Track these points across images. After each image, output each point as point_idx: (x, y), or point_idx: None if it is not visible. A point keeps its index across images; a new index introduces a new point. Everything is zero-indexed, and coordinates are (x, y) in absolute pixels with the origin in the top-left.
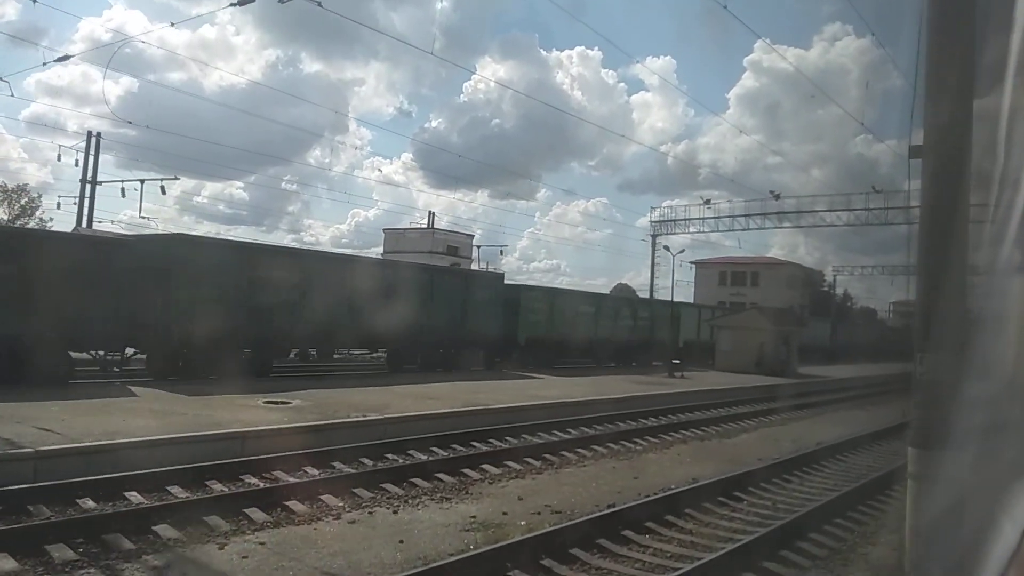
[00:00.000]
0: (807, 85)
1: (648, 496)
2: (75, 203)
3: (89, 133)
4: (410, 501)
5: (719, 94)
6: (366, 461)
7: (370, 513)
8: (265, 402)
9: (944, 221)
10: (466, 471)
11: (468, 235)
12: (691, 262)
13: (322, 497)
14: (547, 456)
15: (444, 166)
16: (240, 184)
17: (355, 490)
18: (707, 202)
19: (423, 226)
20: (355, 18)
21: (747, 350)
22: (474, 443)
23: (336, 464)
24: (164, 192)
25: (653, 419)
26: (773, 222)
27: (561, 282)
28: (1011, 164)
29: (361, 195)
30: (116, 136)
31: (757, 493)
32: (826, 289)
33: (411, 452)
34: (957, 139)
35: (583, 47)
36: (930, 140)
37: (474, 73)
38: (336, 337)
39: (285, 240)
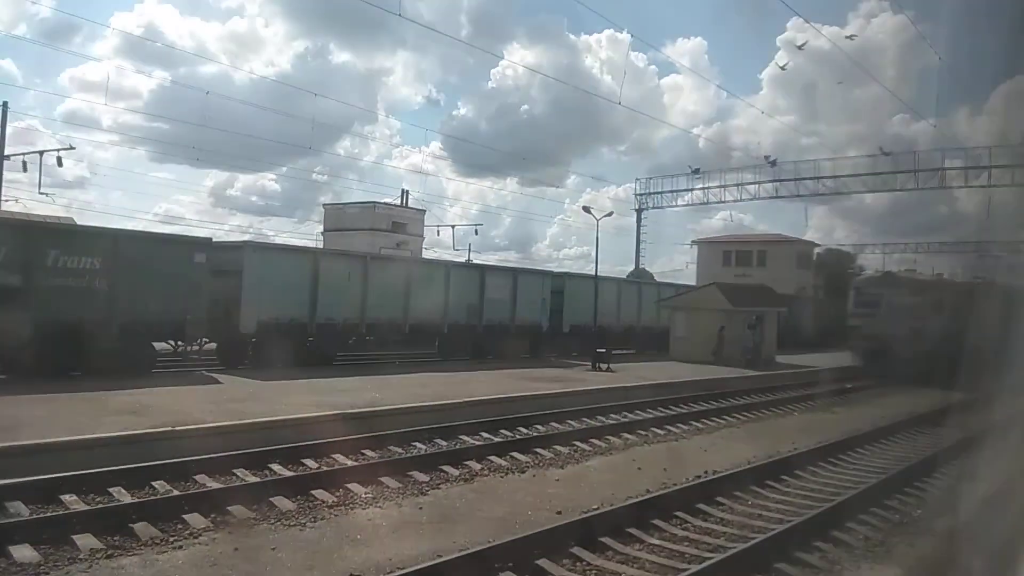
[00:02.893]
0: (843, 64)
1: None
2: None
3: None
4: None
5: (752, 75)
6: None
7: None
8: None
9: None
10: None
11: (417, 210)
12: (692, 241)
13: None
14: None
15: (472, 154)
16: (272, 176)
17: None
18: (696, 171)
19: (365, 202)
20: (382, 6)
21: (705, 336)
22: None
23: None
24: (60, 164)
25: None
26: (794, 194)
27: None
28: None
29: (391, 184)
30: (150, 131)
31: None
32: (853, 271)
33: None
34: None
35: (612, 30)
36: None
37: (501, 59)
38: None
39: (316, 231)
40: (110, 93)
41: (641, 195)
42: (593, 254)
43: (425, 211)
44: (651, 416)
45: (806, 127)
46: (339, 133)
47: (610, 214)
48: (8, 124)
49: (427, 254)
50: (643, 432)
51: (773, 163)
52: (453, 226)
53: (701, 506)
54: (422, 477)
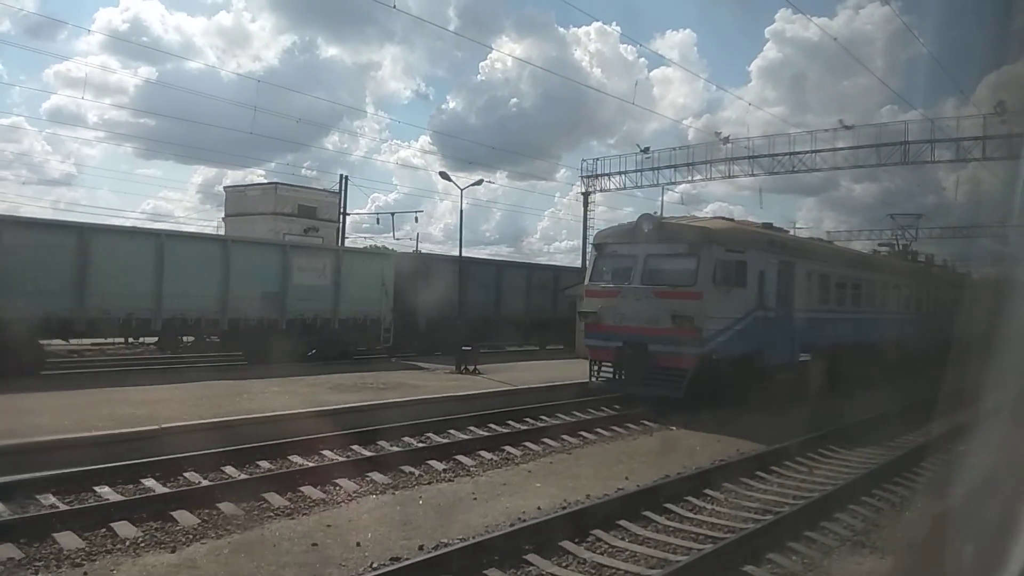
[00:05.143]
0: (832, 54)
1: None
2: None
3: None
4: None
5: (740, 67)
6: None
7: None
8: None
9: None
10: None
11: (330, 193)
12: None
13: None
14: None
15: (461, 149)
16: (261, 172)
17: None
18: (645, 150)
19: (266, 182)
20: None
21: None
22: None
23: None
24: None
25: None
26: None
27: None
28: None
29: (381, 180)
30: (136, 127)
31: None
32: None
33: None
34: None
35: (600, 23)
36: None
37: (491, 50)
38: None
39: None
40: (95, 89)
41: (587, 177)
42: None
43: (338, 194)
44: (437, 444)
45: (795, 118)
46: (327, 128)
47: (479, 182)
48: None
49: (423, 247)
50: (410, 470)
51: (726, 140)
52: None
53: None
54: None
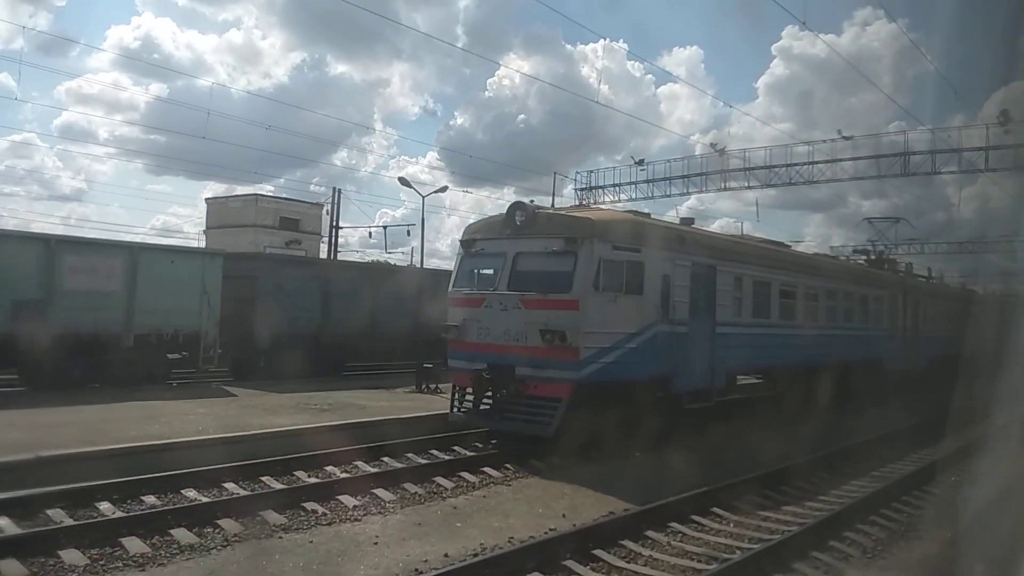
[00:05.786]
0: (840, 71)
1: None
2: None
3: None
4: None
5: (747, 83)
6: None
7: None
8: None
9: None
10: None
11: (315, 204)
12: None
13: None
14: None
15: (469, 165)
16: (270, 188)
17: None
18: (639, 162)
19: (248, 193)
20: (379, 18)
21: None
22: None
23: None
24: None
25: None
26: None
27: None
28: None
29: (389, 195)
30: (146, 143)
31: None
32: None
33: None
34: None
35: (607, 39)
36: None
37: (499, 67)
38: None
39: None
40: (107, 106)
41: (582, 190)
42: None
43: (323, 205)
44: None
45: (802, 134)
46: (336, 145)
47: (443, 189)
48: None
49: (428, 262)
50: (313, 507)
51: (722, 151)
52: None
53: None
54: None
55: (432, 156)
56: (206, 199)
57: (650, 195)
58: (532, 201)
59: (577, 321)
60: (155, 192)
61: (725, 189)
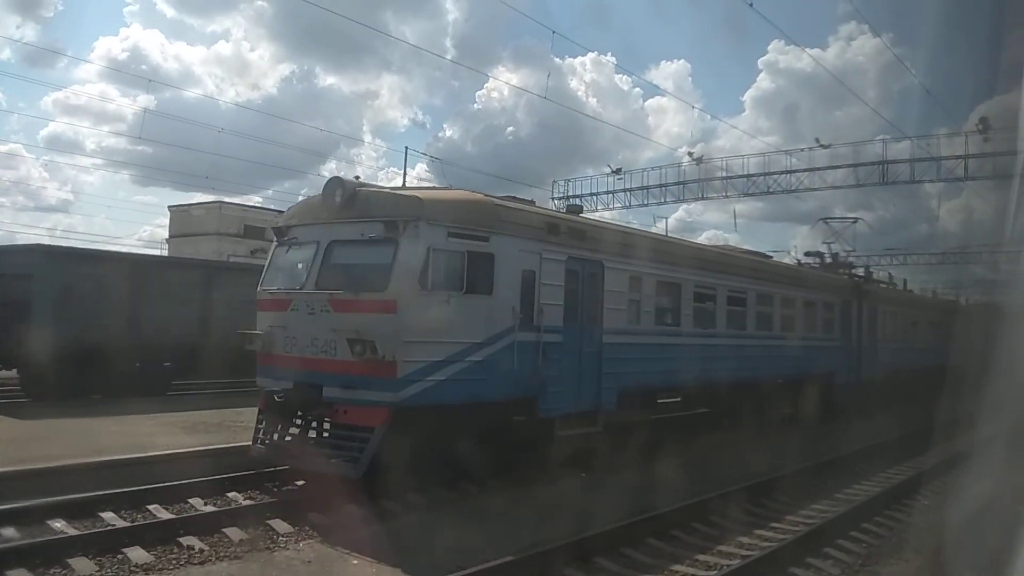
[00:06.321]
0: (825, 85)
1: None
2: None
3: None
4: None
5: (734, 96)
6: None
7: None
8: None
9: None
10: None
11: (280, 212)
12: None
13: None
14: None
15: (458, 177)
16: (258, 199)
17: None
18: (617, 171)
19: (211, 201)
20: (368, 31)
21: None
22: None
23: None
24: None
25: None
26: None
27: None
28: None
29: None
30: (133, 155)
31: None
32: None
33: None
34: None
35: (596, 53)
36: None
37: (487, 79)
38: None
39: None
40: (94, 117)
41: (559, 199)
42: None
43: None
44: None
45: (788, 147)
46: (325, 156)
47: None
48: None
49: None
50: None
51: (699, 160)
52: None
53: None
54: None
55: (421, 168)
56: (168, 207)
57: (627, 204)
58: (359, 177)
59: (394, 327)
60: (142, 203)
61: (703, 199)
